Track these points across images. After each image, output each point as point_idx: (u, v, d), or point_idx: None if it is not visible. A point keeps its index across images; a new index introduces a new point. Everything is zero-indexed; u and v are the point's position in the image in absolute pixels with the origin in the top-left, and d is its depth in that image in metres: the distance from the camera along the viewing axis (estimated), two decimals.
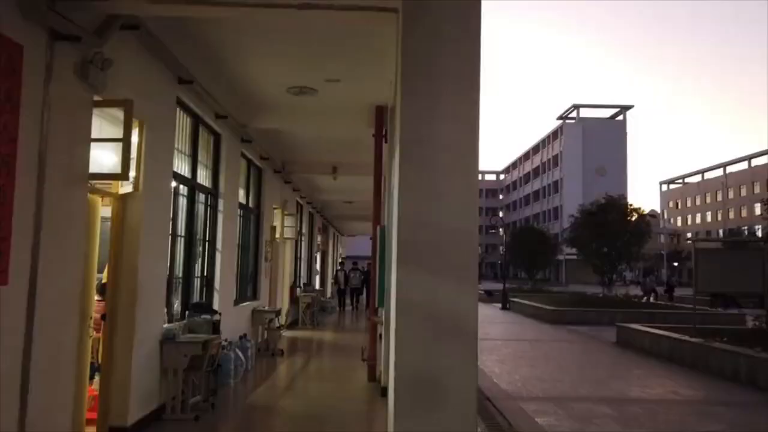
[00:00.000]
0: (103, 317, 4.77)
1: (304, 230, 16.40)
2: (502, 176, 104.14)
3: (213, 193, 7.63)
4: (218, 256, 7.61)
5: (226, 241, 7.81)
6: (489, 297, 27.35)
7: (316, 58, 6.56)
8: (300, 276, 16.02)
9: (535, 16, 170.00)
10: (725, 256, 31.59)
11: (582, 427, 5.97)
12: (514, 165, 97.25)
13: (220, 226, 7.70)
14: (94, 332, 4.80)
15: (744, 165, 75.11)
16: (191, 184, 6.77)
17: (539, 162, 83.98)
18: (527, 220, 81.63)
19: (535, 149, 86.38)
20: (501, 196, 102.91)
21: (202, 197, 7.24)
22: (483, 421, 6.04)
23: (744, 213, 70.41)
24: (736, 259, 29.69)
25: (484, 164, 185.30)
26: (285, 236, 12.36)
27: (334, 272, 21.56)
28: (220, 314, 6.63)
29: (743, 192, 72.21)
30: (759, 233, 36.81)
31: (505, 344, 12.93)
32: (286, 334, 11.95)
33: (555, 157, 77.67)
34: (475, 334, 3.16)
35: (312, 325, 14.01)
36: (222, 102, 6.96)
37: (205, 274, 7.34)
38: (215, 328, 6.15)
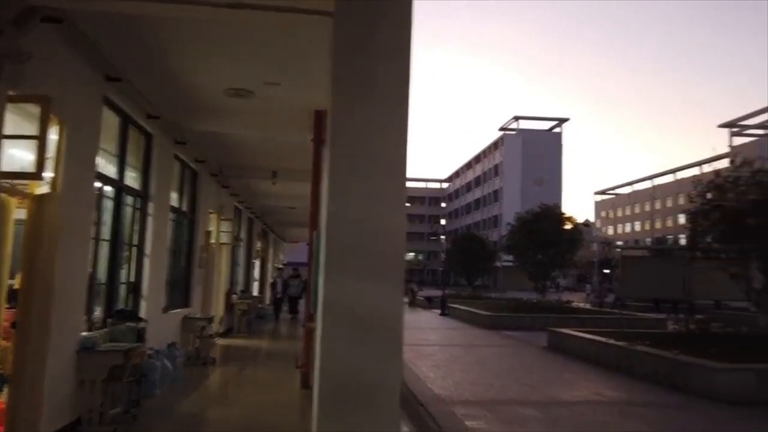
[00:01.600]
0: (13, 325, 4.49)
1: (242, 236, 16.07)
2: (445, 184, 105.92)
3: (142, 195, 7.36)
4: (146, 262, 7.34)
5: (155, 245, 7.54)
6: (429, 303, 27.68)
7: (255, 60, 6.45)
8: (237, 283, 15.67)
9: (483, 30, 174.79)
10: (650, 263, 33.56)
11: (509, 429, 6.11)
12: (457, 174, 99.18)
13: (150, 230, 7.43)
14: (3, 341, 4.51)
15: (671, 177, 79.65)
16: (118, 185, 6.50)
17: (481, 171, 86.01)
18: (468, 227, 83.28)
19: (477, 159, 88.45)
20: (444, 204, 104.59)
21: (130, 200, 6.97)
22: (414, 425, 6.08)
23: (669, 223, 74.52)
24: (660, 266, 31.60)
25: (428, 172, 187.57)
26: (221, 242, 12.06)
27: (272, 279, 21.16)
28: (146, 322, 6.38)
29: (669, 203, 76.43)
30: (682, 242, 38.99)
31: (441, 350, 13.10)
32: (220, 342, 11.65)
33: (496, 167, 79.78)
34: (400, 336, 3.17)
35: (248, 333, 13.72)
36: (154, 102, 6.74)
37: (132, 279, 7.05)
38: (140, 336, 5.91)
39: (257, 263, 20.51)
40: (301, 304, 17.90)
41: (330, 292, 3.14)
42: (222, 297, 12.49)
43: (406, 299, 32.53)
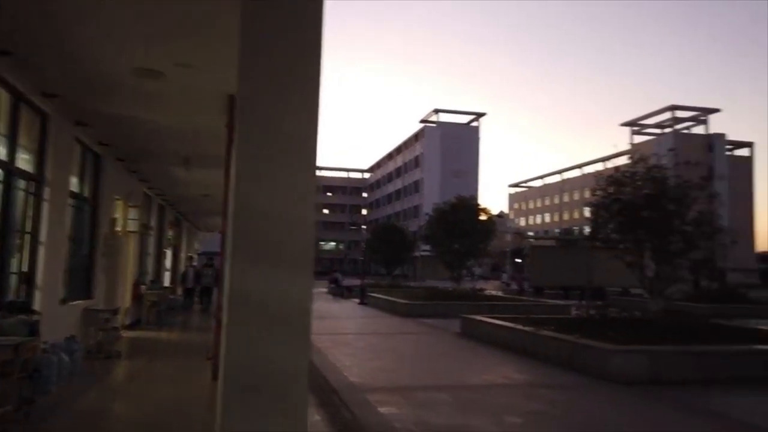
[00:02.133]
0: None
1: (152, 224, 15.36)
2: (367, 175, 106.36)
3: (37, 179, 6.85)
4: (41, 250, 6.85)
5: (52, 233, 7.05)
6: (348, 293, 27.77)
7: (164, 39, 6.12)
8: (146, 273, 14.98)
9: (408, 26, 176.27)
10: (556, 253, 35.43)
11: (421, 413, 6.27)
12: (379, 164, 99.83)
13: (45, 217, 6.94)
14: None
15: (578, 172, 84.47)
16: (7, 168, 6.01)
17: (402, 162, 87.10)
18: (389, 217, 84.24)
19: (399, 150, 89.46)
20: (365, 194, 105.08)
21: (22, 184, 6.46)
22: (326, 413, 6.10)
23: (576, 215, 78.99)
24: (566, 255, 33.43)
25: (351, 162, 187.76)
26: (128, 230, 11.47)
27: (183, 269, 20.35)
28: (39, 314, 5.96)
29: (576, 196, 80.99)
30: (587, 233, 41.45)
31: (358, 338, 13.21)
32: (127, 335, 11.11)
33: (416, 158, 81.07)
34: (309, 326, 3.17)
35: (157, 325, 13.17)
36: (51, 79, 6.26)
37: (25, 269, 6.56)
38: (33, 329, 5.52)
39: (169, 253, 19.68)
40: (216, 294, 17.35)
41: (236, 282, 3.08)
42: (129, 288, 11.91)
43: (325, 288, 32.37)
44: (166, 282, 18.57)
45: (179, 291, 19.07)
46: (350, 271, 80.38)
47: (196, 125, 9.74)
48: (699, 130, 69.64)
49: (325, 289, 33.22)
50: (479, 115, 79.92)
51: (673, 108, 68.34)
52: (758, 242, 70.73)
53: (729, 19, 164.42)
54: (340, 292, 28.03)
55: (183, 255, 23.07)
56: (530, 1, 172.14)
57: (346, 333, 14.02)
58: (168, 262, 19.48)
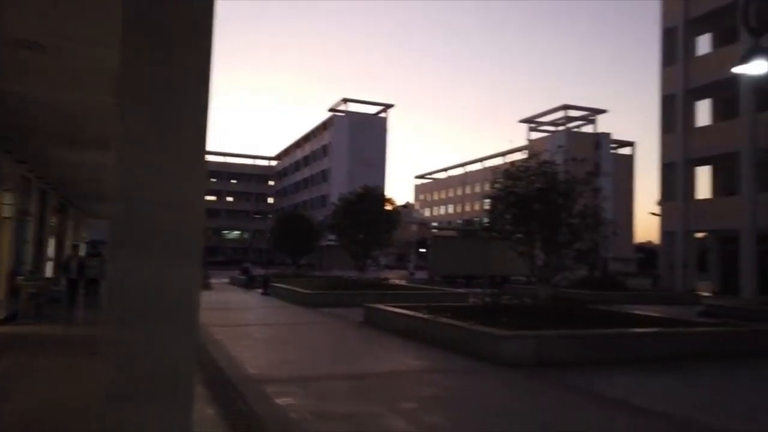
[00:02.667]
0: None
1: (32, 209, 14.11)
2: (274, 162, 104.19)
3: None
4: None
5: None
6: (251, 283, 27.17)
7: (48, 9, 5.60)
8: (25, 263, 13.75)
9: (320, 15, 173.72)
10: (457, 243, 36.70)
11: (318, 403, 6.28)
12: (286, 152, 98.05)
13: None
14: None
15: (480, 165, 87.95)
16: None
17: (310, 150, 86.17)
18: (297, 206, 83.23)
19: (307, 138, 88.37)
20: (272, 183, 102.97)
21: None
22: (221, 406, 5.94)
23: (477, 206, 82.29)
24: (465, 245, 34.74)
25: (256, 149, 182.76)
26: (2, 215, 10.46)
27: (65, 258, 18.73)
28: None
29: (477, 188, 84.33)
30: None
31: (259, 329, 12.97)
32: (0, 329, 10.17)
33: (324, 147, 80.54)
34: (196, 316, 3.05)
35: (36, 320, 12.14)
36: None
37: None
38: None
39: (52, 241, 18.19)
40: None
41: (118, 271, 2.89)
42: (3, 278, 10.88)
43: (227, 279, 31.34)
44: (49, 273, 17.15)
45: (63, 282, 17.67)
46: (255, 260, 78.74)
47: (85, 104, 9.04)
48: (588, 129, 74.80)
49: (227, 280, 32.27)
50: (387, 106, 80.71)
51: (566, 107, 72.86)
52: (637, 234, 77.50)
53: (618, 27, 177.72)
54: (250, 282, 27.31)
55: (69, 243, 21.43)
56: (438, 4, 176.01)
57: (247, 324, 13.72)
58: (51, 251, 17.98)
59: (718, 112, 30.68)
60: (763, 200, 24.98)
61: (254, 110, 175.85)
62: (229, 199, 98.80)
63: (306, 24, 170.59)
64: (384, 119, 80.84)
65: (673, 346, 9.68)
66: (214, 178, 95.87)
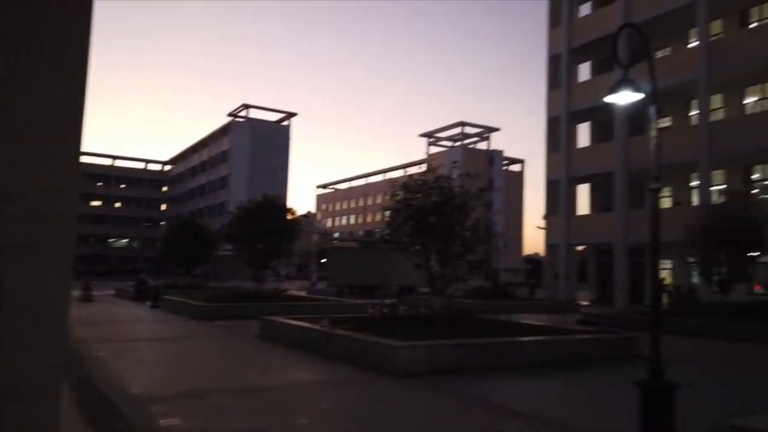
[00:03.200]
0: None
1: None
2: (167, 167, 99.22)
3: None
4: None
5: None
6: (140, 294, 25.61)
7: None
8: None
9: (220, 21, 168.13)
10: (357, 253, 36.93)
11: (206, 421, 6.03)
12: (182, 156, 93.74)
13: None
14: None
15: (381, 177, 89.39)
16: None
17: (207, 156, 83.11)
18: (192, 213, 79.80)
19: (204, 143, 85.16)
20: (165, 188, 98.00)
21: None
22: (98, 429, 5.54)
23: (378, 218, 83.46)
24: (365, 256, 35.07)
25: (148, 153, 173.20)
26: None
27: None
28: None
29: (378, 200, 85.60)
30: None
31: (146, 345, 12.25)
32: None
33: (223, 153, 78.06)
34: (65, 331, 2.82)
35: None
36: None
37: None
38: None
39: None
40: None
41: None
42: None
43: (113, 291, 29.28)
44: None
45: None
46: (145, 269, 74.50)
47: None
48: (483, 145, 78.64)
49: (112, 291, 30.19)
50: (290, 114, 79.92)
51: (462, 124, 76.17)
52: (526, 246, 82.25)
53: (513, 51, 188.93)
54: (139, 294, 25.52)
55: None
56: (343, 17, 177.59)
57: (133, 339, 12.91)
58: None
59: (596, 135, 33.45)
60: (633, 217, 27.50)
61: (149, 113, 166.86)
62: (118, 204, 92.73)
63: (207, 27, 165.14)
64: (286, 127, 79.91)
65: (555, 352, 10.37)
66: (100, 182, 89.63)
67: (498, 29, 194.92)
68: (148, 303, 22.26)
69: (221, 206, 73.47)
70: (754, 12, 25.79)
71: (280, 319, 12.99)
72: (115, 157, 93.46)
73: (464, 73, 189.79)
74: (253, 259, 22.83)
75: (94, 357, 9.73)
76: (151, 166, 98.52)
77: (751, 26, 25.76)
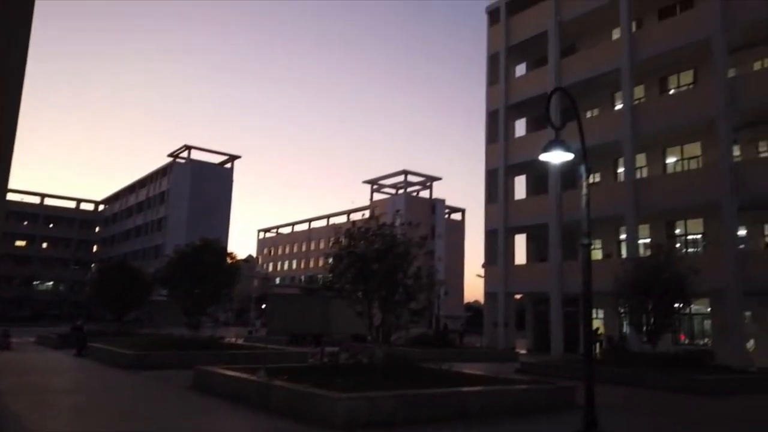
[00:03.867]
0: None
1: None
2: (101, 207, 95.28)
3: None
4: None
5: None
6: (64, 341, 24.07)
7: None
8: None
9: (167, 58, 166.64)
10: (298, 300, 36.43)
11: None
12: (117, 196, 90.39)
13: None
14: None
15: (325, 222, 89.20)
16: None
17: (145, 197, 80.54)
18: (126, 256, 76.49)
19: (143, 183, 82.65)
20: (98, 229, 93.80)
21: None
22: None
23: (321, 263, 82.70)
24: (306, 303, 34.62)
25: (85, 192, 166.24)
26: None
27: None
28: None
29: (321, 245, 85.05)
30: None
31: (67, 396, 11.45)
32: None
33: (162, 194, 75.91)
34: None
35: None
36: None
37: None
38: None
39: None
40: None
41: None
42: None
43: (33, 338, 27.38)
44: None
45: None
46: (71, 316, 70.33)
47: None
48: (425, 194, 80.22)
49: (33, 338, 28.25)
50: (234, 157, 79.15)
51: (406, 173, 77.65)
52: (467, 294, 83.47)
53: (457, 104, 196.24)
54: (63, 342, 23.85)
55: None
56: (289, 62, 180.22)
57: (53, 391, 12.04)
58: None
59: (532, 187, 34.90)
60: (568, 267, 28.56)
61: (88, 152, 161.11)
62: (45, 245, 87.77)
63: (153, 67, 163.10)
64: (229, 170, 78.94)
65: (496, 403, 10.45)
66: (26, 220, 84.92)
67: (442, 81, 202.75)
68: (73, 351, 20.93)
69: (157, 249, 70.90)
70: (673, 80, 28.10)
71: (214, 369, 12.49)
72: (44, 196, 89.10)
73: (408, 123, 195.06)
74: (189, 304, 21.99)
75: (8, 411, 9.01)
76: (85, 206, 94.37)
77: (671, 92, 28.01)
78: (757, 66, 25.11)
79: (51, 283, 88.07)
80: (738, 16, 23.60)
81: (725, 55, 23.76)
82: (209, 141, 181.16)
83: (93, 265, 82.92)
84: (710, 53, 24.35)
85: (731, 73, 24.56)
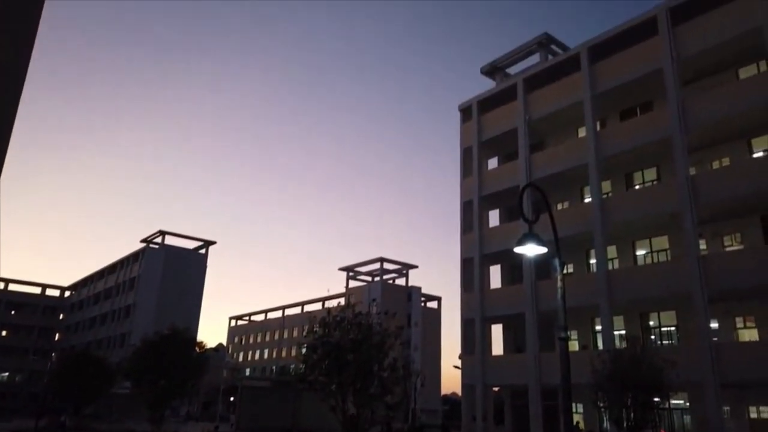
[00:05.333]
0: None
1: None
2: (68, 293, 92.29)
3: None
4: None
5: None
6: None
7: None
8: None
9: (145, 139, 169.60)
10: (268, 393, 34.97)
11: None
12: (84, 282, 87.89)
13: None
14: None
15: (299, 309, 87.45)
16: None
17: (114, 283, 78.46)
18: (90, 344, 73.26)
19: (113, 268, 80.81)
20: (62, 316, 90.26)
21: None
22: None
23: (294, 352, 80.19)
24: (277, 396, 33.23)
25: (47, 277, 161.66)
26: None
27: None
28: None
29: (295, 333, 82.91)
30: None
31: None
32: None
33: (132, 280, 74.11)
34: None
35: None
36: None
37: None
38: None
39: None
40: None
41: None
42: None
43: None
44: None
45: None
46: (29, 408, 66.01)
47: None
48: (401, 281, 79.94)
49: None
50: (208, 243, 78.52)
51: (382, 260, 77.71)
52: (444, 385, 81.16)
53: (434, 194, 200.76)
54: None
55: None
56: (267, 149, 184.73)
57: None
58: None
59: (507, 277, 35.12)
60: (544, 359, 28.22)
61: (57, 235, 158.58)
62: (4, 333, 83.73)
63: (131, 150, 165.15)
64: (203, 256, 77.97)
65: None
66: None
67: (417, 171, 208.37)
68: None
69: (124, 337, 68.26)
70: (638, 176, 29.44)
71: None
72: (9, 281, 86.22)
73: (384, 211, 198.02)
74: (153, 397, 20.97)
75: None
76: (51, 292, 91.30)
77: (636, 187, 29.24)
78: (715, 165, 26.52)
79: (6, 374, 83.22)
80: (694, 119, 25.24)
81: (685, 155, 25.13)
82: (183, 225, 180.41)
83: (54, 354, 79.07)
84: (671, 152, 25.75)
85: (693, 170, 25.87)
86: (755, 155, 25.12)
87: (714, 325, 24.65)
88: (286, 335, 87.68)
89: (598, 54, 29.83)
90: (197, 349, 23.14)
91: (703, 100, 25.41)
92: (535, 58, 35.29)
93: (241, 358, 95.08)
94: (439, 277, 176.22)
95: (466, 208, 35.19)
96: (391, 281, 79.73)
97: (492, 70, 36.98)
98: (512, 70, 36.90)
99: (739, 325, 25.08)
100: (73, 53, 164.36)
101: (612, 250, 28.88)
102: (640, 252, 28.66)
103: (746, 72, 25.79)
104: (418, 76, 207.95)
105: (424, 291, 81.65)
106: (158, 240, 75.88)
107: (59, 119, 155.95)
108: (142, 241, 76.73)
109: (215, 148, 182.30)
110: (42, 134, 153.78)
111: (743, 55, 25.45)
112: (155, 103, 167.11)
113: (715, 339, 24.04)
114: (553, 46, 34.68)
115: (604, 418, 25.61)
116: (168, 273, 72.06)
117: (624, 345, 22.35)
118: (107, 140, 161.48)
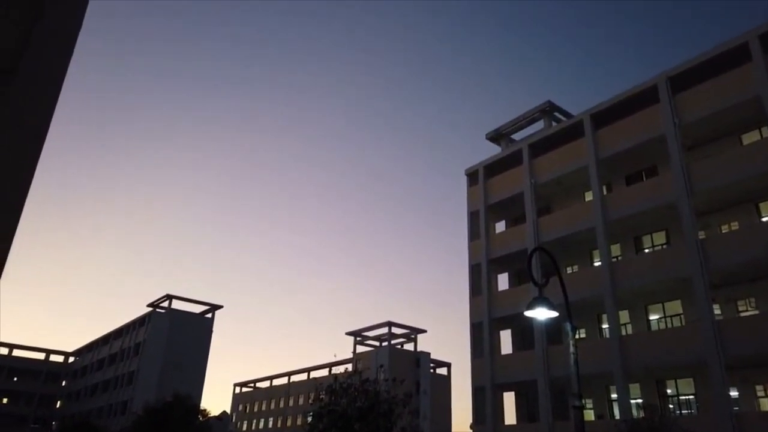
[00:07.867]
0: None
1: None
2: (72, 358, 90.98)
3: None
4: None
5: None
6: None
7: None
8: None
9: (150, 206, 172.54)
10: None
11: None
12: (89, 347, 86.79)
13: None
14: None
15: (305, 375, 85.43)
16: None
17: (119, 348, 77.44)
18: (90, 413, 71.53)
19: (119, 333, 79.98)
20: (64, 383, 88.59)
21: None
22: None
23: (300, 420, 77.72)
24: None
25: (53, 342, 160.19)
26: None
27: None
28: None
29: (301, 400, 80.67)
30: None
31: None
32: None
33: (137, 345, 73.14)
34: None
35: None
36: None
37: None
38: None
39: None
40: None
41: None
42: None
43: None
44: None
45: None
46: None
47: None
48: (409, 346, 78.38)
49: None
50: (215, 307, 77.96)
51: (390, 324, 76.54)
52: None
53: (441, 259, 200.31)
54: None
55: None
56: (270, 211, 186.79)
57: None
58: None
59: (518, 342, 34.41)
60: (559, 428, 27.17)
61: (64, 299, 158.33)
62: (5, 400, 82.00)
63: (138, 215, 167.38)
64: (209, 320, 77.21)
65: None
66: None
67: (425, 234, 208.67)
68: None
69: (125, 404, 66.66)
70: (647, 239, 29.35)
71: None
72: (13, 347, 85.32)
73: (391, 275, 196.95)
74: None
75: None
76: (55, 357, 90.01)
77: (645, 251, 29.07)
78: (725, 228, 26.45)
79: None
80: (699, 184, 25.41)
81: (693, 219, 25.12)
82: (190, 289, 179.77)
83: (54, 423, 77.11)
84: (678, 216, 25.77)
85: (702, 234, 25.77)
86: (765, 219, 25.08)
87: (734, 393, 23.81)
88: (291, 403, 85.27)
89: (601, 121, 30.50)
90: (200, 417, 22.48)
91: (707, 166, 25.67)
92: (539, 125, 36.12)
93: (245, 427, 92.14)
94: (448, 342, 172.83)
95: (474, 271, 35.00)
96: (399, 346, 78.20)
97: (497, 137, 37.79)
98: (517, 136, 37.70)
99: (760, 393, 24.21)
100: (83, 119, 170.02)
101: (624, 315, 28.38)
102: (653, 317, 28.13)
103: (749, 138, 26.18)
104: (424, 141, 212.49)
105: (433, 356, 79.83)
106: (165, 304, 75.48)
107: (65, 181, 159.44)
108: (149, 305, 76.33)
109: (224, 213, 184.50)
110: (48, 196, 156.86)
111: (745, 122, 25.91)
112: (162, 166, 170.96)
113: (736, 408, 23.15)
114: (557, 114, 35.56)
115: None
116: (173, 338, 71.16)
117: (641, 414, 21.54)
118: (114, 202, 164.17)
